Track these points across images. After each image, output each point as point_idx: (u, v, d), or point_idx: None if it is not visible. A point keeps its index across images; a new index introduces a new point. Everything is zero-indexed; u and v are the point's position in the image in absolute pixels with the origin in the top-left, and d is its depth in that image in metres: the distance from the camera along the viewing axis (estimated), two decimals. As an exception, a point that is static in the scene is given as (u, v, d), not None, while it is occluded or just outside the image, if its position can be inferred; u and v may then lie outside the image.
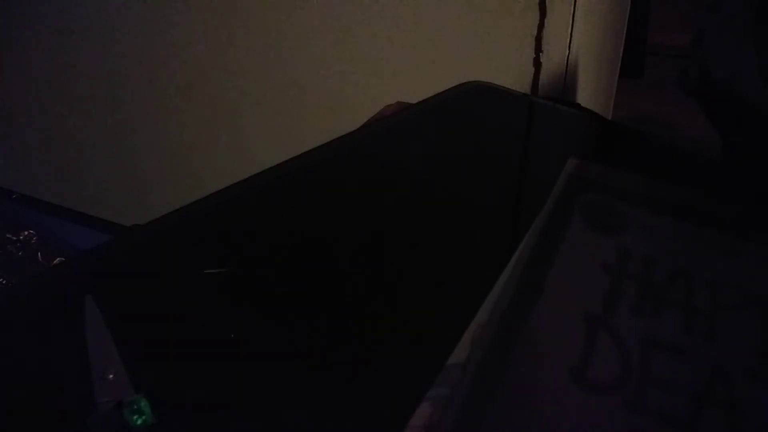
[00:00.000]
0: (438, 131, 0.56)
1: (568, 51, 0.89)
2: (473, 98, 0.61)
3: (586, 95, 0.97)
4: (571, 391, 0.29)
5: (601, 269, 0.36)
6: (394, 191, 0.46)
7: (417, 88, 0.61)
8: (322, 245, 0.40)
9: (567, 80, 0.91)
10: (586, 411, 0.28)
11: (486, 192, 0.47)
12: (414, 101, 0.60)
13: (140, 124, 1.00)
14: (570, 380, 0.29)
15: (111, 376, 0.28)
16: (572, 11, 0.87)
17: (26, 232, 0.62)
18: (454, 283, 0.37)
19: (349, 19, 0.91)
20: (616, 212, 0.41)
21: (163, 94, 0.98)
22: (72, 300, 0.32)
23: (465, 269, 0.38)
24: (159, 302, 0.34)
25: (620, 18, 0.97)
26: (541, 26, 0.87)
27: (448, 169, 0.50)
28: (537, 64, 0.90)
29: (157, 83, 0.97)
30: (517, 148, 0.56)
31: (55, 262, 0.62)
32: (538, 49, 0.89)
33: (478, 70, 0.90)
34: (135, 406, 0.27)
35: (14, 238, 0.62)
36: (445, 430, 0.27)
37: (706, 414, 0.29)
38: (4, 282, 0.58)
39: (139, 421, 0.27)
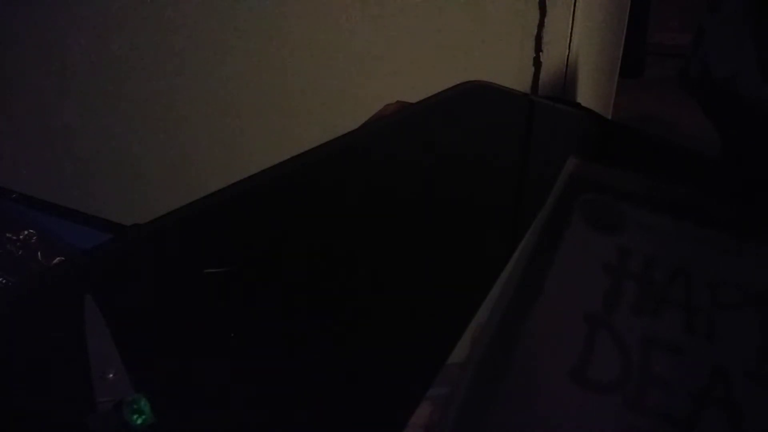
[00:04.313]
0: (438, 131, 0.56)
1: (568, 51, 0.89)
2: (473, 98, 0.61)
3: (586, 95, 0.97)
4: (571, 390, 0.29)
5: (601, 269, 0.36)
6: (394, 191, 0.46)
7: (417, 88, 0.61)
8: (322, 245, 0.40)
9: (567, 80, 0.91)
10: (586, 410, 0.28)
11: (486, 192, 0.47)
12: (414, 101, 0.60)
13: (140, 124, 1.00)
14: (570, 380, 0.29)
15: (111, 375, 0.28)
16: (572, 11, 0.87)
17: (26, 232, 0.62)
18: (455, 282, 0.37)
19: (349, 18, 0.91)
20: (616, 212, 0.41)
21: (163, 93, 0.98)
22: (72, 300, 0.32)
23: (465, 269, 0.38)
24: (159, 302, 0.34)
25: (620, 18, 0.97)
26: (541, 26, 0.87)
27: (448, 169, 0.50)
28: (537, 63, 0.90)
29: (157, 83, 0.97)
30: (517, 147, 0.56)
31: (55, 261, 0.62)
32: (538, 48, 0.89)
33: (478, 69, 0.90)
34: (135, 406, 0.27)
35: (14, 238, 0.62)
36: (445, 430, 0.27)
37: (706, 414, 0.29)
38: (4, 282, 0.58)
39: (139, 421, 0.27)
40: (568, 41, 0.89)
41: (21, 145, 1.01)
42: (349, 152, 0.51)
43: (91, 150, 1.02)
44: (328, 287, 0.36)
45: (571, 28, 0.88)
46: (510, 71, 0.90)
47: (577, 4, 0.86)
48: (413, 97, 0.60)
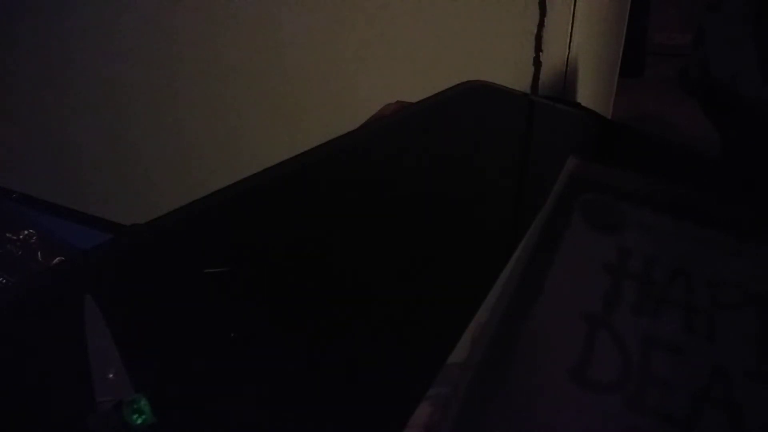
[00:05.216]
0: (438, 130, 0.56)
1: (568, 50, 0.89)
2: (473, 97, 0.61)
3: (586, 95, 0.97)
4: (571, 390, 0.29)
5: (601, 269, 0.36)
6: (394, 190, 0.46)
7: (417, 88, 0.61)
8: (323, 245, 0.40)
9: (567, 80, 0.91)
10: (586, 410, 0.28)
11: (486, 191, 0.47)
12: (414, 101, 0.60)
13: (140, 124, 1.00)
14: (570, 380, 0.29)
15: (111, 375, 0.28)
16: (572, 11, 0.87)
17: (26, 232, 0.62)
18: (454, 282, 0.37)
19: (349, 18, 0.91)
20: (616, 212, 0.41)
21: (163, 93, 0.98)
22: (72, 300, 0.32)
23: (465, 269, 0.38)
24: (159, 302, 0.34)
25: (620, 18, 0.97)
26: (541, 26, 0.87)
27: (448, 169, 0.50)
28: (537, 63, 0.90)
29: (157, 83, 0.97)
30: (517, 147, 0.56)
31: (55, 261, 0.62)
32: (538, 48, 0.89)
33: (478, 69, 0.90)
34: (135, 406, 0.27)
35: (14, 238, 0.62)
36: (445, 430, 0.27)
37: (706, 414, 0.29)
38: (4, 282, 0.58)
39: (139, 421, 0.27)
40: (568, 41, 0.89)
41: (22, 146, 1.02)
42: (349, 152, 0.51)
43: (91, 150, 1.02)
44: (328, 287, 0.36)
45: (571, 28, 0.88)
46: (510, 71, 0.90)
47: (577, 4, 0.86)
48: (413, 97, 0.61)
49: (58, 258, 0.62)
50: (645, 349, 0.31)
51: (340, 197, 0.45)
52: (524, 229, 0.39)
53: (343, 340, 0.33)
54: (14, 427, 0.27)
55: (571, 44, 0.89)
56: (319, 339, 0.33)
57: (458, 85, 0.61)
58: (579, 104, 0.66)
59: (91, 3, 0.93)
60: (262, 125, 0.99)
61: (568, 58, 0.90)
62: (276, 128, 0.99)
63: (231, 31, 0.93)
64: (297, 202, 0.44)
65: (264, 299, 0.35)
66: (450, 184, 0.48)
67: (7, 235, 0.62)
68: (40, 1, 0.93)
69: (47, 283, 0.37)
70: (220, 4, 0.91)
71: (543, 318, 0.33)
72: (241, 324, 0.33)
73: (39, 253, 0.62)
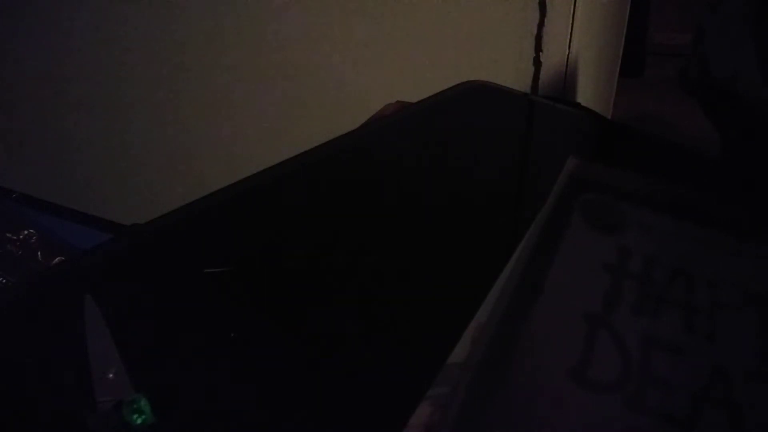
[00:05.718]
0: (438, 130, 0.56)
1: (568, 50, 0.89)
2: (473, 97, 0.61)
3: (586, 95, 0.97)
4: (571, 390, 0.29)
5: (601, 269, 0.36)
6: (394, 190, 0.46)
7: (417, 88, 0.61)
8: (322, 244, 0.40)
9: (567, 79, 0.91)
10: (586, 410, 0.28)
11: (486, 191, 0.47)
12: (414, 101, 0.60)
13: (140, 124, 1.00)
14: (570, 380, 0.29)
15: (111, 375, 0.28)
16: (572, 11, 0.87)
17: (26, 232, 0.62)
18: (454, 282, 0.37)
19: (349, 18, 0.91)
20: (616, 212, 0.41)
21: (163, 93, 0.98)
22: (72, 300, 0.32)
23: (465, 269, 0.38)
24: (159, 302, 0.34)
25: (620, 18, 0.97)
26: (541, 25, 0.87)
27: (448, 169, 0.50)
28: (537, 63, 0.90)
29: (157, 83, 0.97)
30: (517, 147, 0.56)
31: (55, 261, 0.62)
32: (538, 48, 0.89)
33: (478, 69, 0.90)
34: (135, 406, 0.27)
35: (14, 238, 0.62)
36: (445, 430, 0.27)
37: (706, 414, 0.29)
38: (4, 281, 0.58)
39: (139, 421, 0.27)
40: (568, 41, 0.89)
41: (21, 145, 1.01)
42: (349, 152, 0.51)
43: (91, 150, 1.02)
44: (328, 287, 0.36)
45: (571, 28, 0.88)
46: (510, 71, 0.91)
47: (577, 4, 0.86)
48: (413, 97, 0.60)
49: (58, 258, 0.62)
50: (645, 349, 0.31)
51: (340, 197, 0.45)
52: (524, 229, 0.39)
53: (343, 340, 0.33)
54: (14, 426, 0.27)
55: (571, 44, 0.89)
56: (319, 339, 0.33)
57: (458, 85, 0.61)
58: (579, 104, 0.66)
59: (92, 2, 0.93)
60: (262, 125, 0.99)
61: (568, 58, 0.90)
62: (276, 128, 0.99)
63: (232, 31, 0.93)
64: (297, 202, 0.44)
65: (264, 299, 0.35)
66: (450, 184, 0.48)
67: (7, 235, 0.62)
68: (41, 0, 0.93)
69: (47, 283, 0.37)
70: (222, 4, 0.91)
71: (543, 318, 0.33)
72: (241, 324, 0.33)
73: (39, 253, 0.62)
